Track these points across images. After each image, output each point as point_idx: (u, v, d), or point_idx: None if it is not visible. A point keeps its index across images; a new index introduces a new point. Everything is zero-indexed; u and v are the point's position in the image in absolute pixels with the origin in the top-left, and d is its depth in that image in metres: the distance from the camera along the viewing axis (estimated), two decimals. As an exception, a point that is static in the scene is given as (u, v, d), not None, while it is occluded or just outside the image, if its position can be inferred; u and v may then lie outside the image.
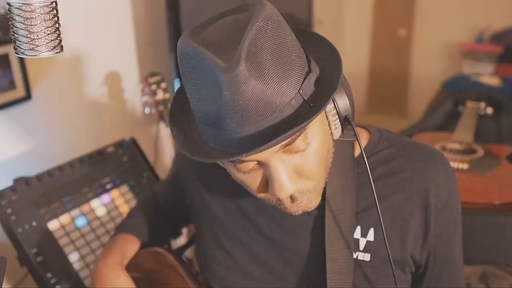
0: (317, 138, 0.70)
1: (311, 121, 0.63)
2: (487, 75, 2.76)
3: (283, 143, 0.65)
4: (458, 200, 0.87)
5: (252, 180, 0.72)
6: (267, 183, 0.71)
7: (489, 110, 2.28)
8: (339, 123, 0.75)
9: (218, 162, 0.78)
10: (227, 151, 0.66)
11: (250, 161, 0.69)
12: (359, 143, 0.76)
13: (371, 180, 0.76)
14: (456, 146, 1.86)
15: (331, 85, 0.67)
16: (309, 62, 0.69)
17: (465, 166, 1.68)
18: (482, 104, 2.29)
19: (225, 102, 0.62)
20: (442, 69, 3.30)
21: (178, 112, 0.76)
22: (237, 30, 0.64)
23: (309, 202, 0.75)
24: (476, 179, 1.61)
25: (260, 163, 0.70)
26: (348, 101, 0.74)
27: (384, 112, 3.48)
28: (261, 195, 0.74)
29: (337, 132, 0.76)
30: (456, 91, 2.47)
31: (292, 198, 0.73)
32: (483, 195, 1.51)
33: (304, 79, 0.66)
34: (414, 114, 3.23)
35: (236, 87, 0.61)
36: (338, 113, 0.73)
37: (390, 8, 3.47)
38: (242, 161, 0.69)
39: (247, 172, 0.72)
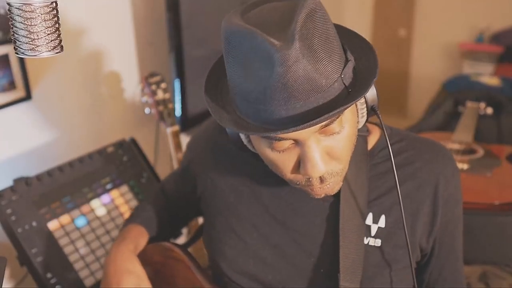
0: (349, 123, 0.75)
1: (353, 103, 0.68)
2: (487, 75, 2.76)
3: (323, 123, 0.70)
4: (461, 196, 0.92)
5: (285, 159, 0.76)
6: (299, 164, 0.75)
7: (489, 110, 2.28)
8: (366, 112, 0.80)
9: (248, 145, 0.82)
10: (270, 127, 0.70)
11: (288, 139, 0.72)
12: (383, 129, 0.81)
13: (394, 165, 0.80)
14: (456, 146, 1.85)
15: (370, 72, 0.73)
16: (345, 51, 0.74)
17: (465, 166, 1.68)
18: (482, 104, 2.29)
19: (276, 78, 0.65)
20: (442, 69, 3.30)
21: (212, 91, 0.80)
22: (284, 14, 0.69)
23: (334, 184, 0.79)
24: (476, 179, 1.61)
25: (296, 143, 0.74)
26: (375, 91, 0.79)
27: (384, 112, 3.46)
28: (291, 176, 0.78)
29: (362, 121, 0.81)
30: (456, 91, 2.47)
31: (322, 179, 0.76)
32: (483, 195, 1.51)
33: (344, 65, 0.71)
34: (414, 114, 3.22)
35: (289, 65, 0.64)
36: (366, 102, 0.79)
37: (390, 8, 3.47)
38: (281, 139, 0.72)
39: (282, 151, 0.75)
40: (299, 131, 0.68)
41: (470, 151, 1.81)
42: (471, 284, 1.40)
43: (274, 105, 0.67)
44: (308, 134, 0.71)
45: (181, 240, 1.45)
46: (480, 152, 1.79)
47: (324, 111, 0.67)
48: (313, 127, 0.68)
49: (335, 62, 0.69)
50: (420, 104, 2.99)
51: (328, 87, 0.68)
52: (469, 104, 2.31)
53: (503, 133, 2.22)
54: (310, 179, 0.76)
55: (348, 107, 0.68)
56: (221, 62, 0.77)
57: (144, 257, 0.98)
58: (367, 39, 0.79)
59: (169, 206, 1.10)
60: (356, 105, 0.78)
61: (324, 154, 0.74)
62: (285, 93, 0.66)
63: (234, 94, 0.73)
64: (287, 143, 0.74)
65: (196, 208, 1.04)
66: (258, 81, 0.67)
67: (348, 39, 0.78)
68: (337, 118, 0.72)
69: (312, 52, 0.66)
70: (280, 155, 0.76)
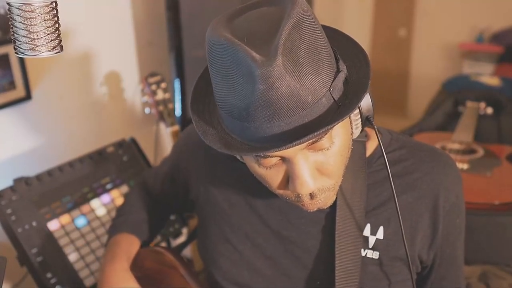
0: (340, 137, 0.71)
1: (341, 121, 0.64)
2: (487, 75, 2.76)
3: (310, 140, 0.66)
4: (463, 203, 0.88)
5: (273, 175, 0.73)
6: (287, 179, 0.72)
7: (489, 110, 2.28)
8: (361, 122, 0.75)
9: (237, 157, 0.78)
10: (254, 145, 0.67)
11: (274, 156, 0.69)
12: (379, 142, 0.76)
13: (390, 176, 0.76)
14: (456, 146, 1.86)
15: (361, 86, 0.68)
16: (337, 61, 0.69)
17: (465, 166, 1.68)
18: (482, 104, 2.29)
19: (258, 96, 0.61)
20: (442, 69, 3.30)
21: (199, 101, 0.76)
22: (271, 24, 0.64)
23: (327, 199, 0.75)
24: (476, 179, 1.61)
25: (283, 159, 0.70)
26: (370, 101, 0.75)
27: (384, 112, 3.48)
28: (280, 191, 0.75)
29: (357, 132, 0.77)
30: (456, 91, 2.47)
31: (312, 195, 0.73)
32: (483, 195, 1.51)
33: (334, 78, 0.66)
34: (414, 114, 3.23)
35: (271, 82, 0.60)
36: (360, 112, 0.74)
37: (390, 8, 3.47)
38: (267, 156, 0.69)
39: (269, 167, 0.72)
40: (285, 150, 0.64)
41: (470, 151, 1.82)
42: (471, 284, 1.40)
43: (257, 122, 0.64)
44: (295, 151, 0.68)
45: (181, 240, 1.45)
46: (480, 152, 1.79)
47: (310, 128, 0.64)
48: (300, 145, 0.64)
49: (323, 75, 0.65)
50: (420, 104, 2.99)
51: (315, 103, 0.64)
52: (469, 104, 2.31)
53: (503, 133, 2.22)
54: (300, 196, 0.73)
55: (335, 125, 0.64)
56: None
57: (136, 264, 0.97)
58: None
59: (153, 205, 1.08)
60: (349, 117, 0.74)
61: (314, 170, 0.70)
62: (268, 111, 0.62)
63: (219, 107, 0.70)
64: (274, 160, 0.70)
65: (188, 206, 1.01)
66: (240, 97, 0.64)
67: (342, 45, 0.74)
68: (326, 134, 0.68)
69: (297, 66, 0.62)
70: (268, 171, 0.72)
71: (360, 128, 0.76)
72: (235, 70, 0.63)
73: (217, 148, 0.69)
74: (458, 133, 1.97)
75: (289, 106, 0.62)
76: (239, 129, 0.67)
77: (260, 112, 0.63)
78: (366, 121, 0.76)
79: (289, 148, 0.63)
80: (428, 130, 2.28)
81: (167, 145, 1.60)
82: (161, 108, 1.54)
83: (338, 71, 0.68)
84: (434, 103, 2.55)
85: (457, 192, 0.86)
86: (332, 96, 0.65)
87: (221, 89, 0.67)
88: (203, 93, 0.77)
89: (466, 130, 1.99)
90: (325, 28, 0.73)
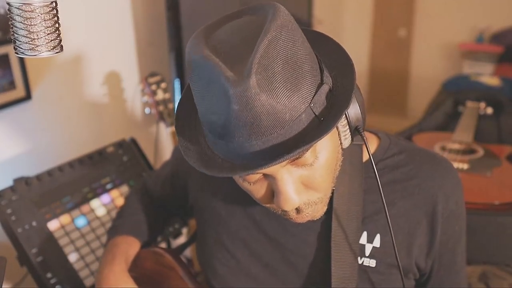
0: (326, 150, 0.69)
1: (321, 138, 0.61)
2: (487, 75, 2.77)
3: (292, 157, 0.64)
4: (464, 208, 0.87)
5: (257, 190, 0.72)
6: (272, 193, 0.70)
7: (489, 110, 2.28)
8: (349, 133, 0.73)
9: None
10: (234, 163, 0.66)
11: (257, 173, 0.68)
12: (367, 150, 0.74)
13: (380, 186, 0.74)
14: (456, 146, 1.85)
15: (343, 100, 0.65)
16: (321, 71, 0.67)
17: (465, 166, 1.68)
18: (482, 104, 2.29)
19: (233, 115, 0.60)
20: (442, 69, 3.30)
21: (184, 117, 0.75)
22: (249, 37, 0.62)
23: (315, 212, 0.74)
24: (476, 179, 1.61)
25: (267, 175, 0.69)
26: (359, 110, 0.72)
27: (384, 112, 3.49)
28: (267, 205, 0.74)
29: (346, 142, 0.74)
30: (456, 91, 2.47)
31: (298, 210, 0.72)
32: (483, 195, 1.51)
33: (316, 91, 0.64)
34: (414, 114, 3.22)
35: (245, 101, 0.58)
36: (348, 123, 0.72)
37: (390, 8, 3.47)
38: (248, 173, 0.67)
39: (252, 183, 0.71)
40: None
41: (470, 151, 1.82)
42: (471, 284, 1.40)
43: (235, 141, 0.62)
44: (277, 168, 0.66)
45: (181, 240, 1.45)
46: (480, 152, 1.79)
47: (289, 147, 0.61)
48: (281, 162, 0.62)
49: (303, 91, 0.62)
50: (420, 104, 2.99)
51: (293, 120, 0.61)
52: (469, 104, 2.31)
53: (503, 133, 2.22)
54: (286, 211, 0.71)
55: (314, 144, 0.61)
56: None
57: (135, 264, 0.97)
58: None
59: (154, 207, 1.07)
60: (337, 128, 0.71)
61: (299, 185, 0.68)
62: (245, 130, 0.60)
63: (201, 124, 0.69)
64: (257, 176, 0.69)
65: (188, 210, 1.01)
66: (218, 115, 0.62)
67: (331, 52, 0.72)
68: (307, 151, 0.65)
69: (273, 84, 0.59)
70: (252, 186, 0.71)
71: (349, 139, 0.74)
72: (212, 88, 0.61)
73: (197, 167, 0.67)
74: (458, 133, 1.96)
75: (266, 125, 0.60)
76: (220, 147, 0.66)
77: (238, 131, 0.61)
78: (356, 131, 0.74)
79: (265, 168, 0.61)
80: (428, 130, 2.28)
81: (167, 145, 1.60)
82: (161, 108, 1.54)
83: (321, 83, 0.65)
84: (434, 103, 2.55)
85: (457, 199, 0.84)
86: (313, 111, 0.63)
87: (201, 106, 0.65)
88: (189, 109, 0.75)
89: (466, 130, 1.98)
90: (310, 33, 0.71)
